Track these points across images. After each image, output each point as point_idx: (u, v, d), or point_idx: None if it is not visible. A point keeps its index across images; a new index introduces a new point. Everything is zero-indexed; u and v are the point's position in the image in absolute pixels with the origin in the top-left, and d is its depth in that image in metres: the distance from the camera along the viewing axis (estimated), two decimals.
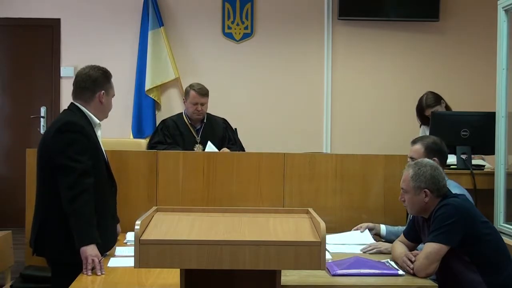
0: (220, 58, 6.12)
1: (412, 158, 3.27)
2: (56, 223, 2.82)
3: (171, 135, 4.61)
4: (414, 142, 3.35)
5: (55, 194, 2.79)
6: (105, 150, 3.08)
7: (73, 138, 2.83)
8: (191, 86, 4.64)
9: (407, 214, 3.45)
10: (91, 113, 2.99)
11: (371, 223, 3.52)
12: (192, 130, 4.67)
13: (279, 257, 2.05)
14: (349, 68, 6.18)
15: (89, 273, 2.67)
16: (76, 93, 3.02)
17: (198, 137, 4.65)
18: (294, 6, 6.13)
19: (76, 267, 2.73)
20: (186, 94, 4.68)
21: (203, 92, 4.59)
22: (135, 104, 5.97)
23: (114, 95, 3.11)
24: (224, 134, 4.72)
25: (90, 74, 3.00)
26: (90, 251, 2.70)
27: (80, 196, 2.75)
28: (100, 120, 3.05)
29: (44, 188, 2.88)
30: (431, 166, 2.84)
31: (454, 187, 3.14)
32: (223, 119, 4.83)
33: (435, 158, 3.18)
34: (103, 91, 3.00)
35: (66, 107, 3.04)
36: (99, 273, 2.68)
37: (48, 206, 2.85)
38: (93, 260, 2.68)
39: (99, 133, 3.05)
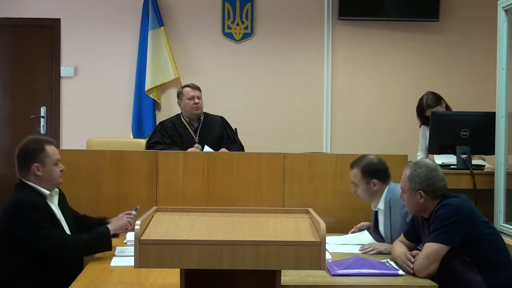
0: (220, 58, 6.11)
1: (353, 183, 3.31)
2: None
3: (169, 136, 4.66)
4: (351, 166, 3.36)
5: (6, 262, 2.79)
6: (65, 219, 2.99)
7: (28, 215, 2.77)
8: (182, 87, 4.88)
9: None
10: (37, 186, 2.91)
11: (368, 222, 3.52)
12: (190, 130, 4.71)
13: (279, 257, 2.05)
14: (349, 68, 6.17)
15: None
16: (17, 170, 2.97)
17: (196, 136, 4.68)
18: (294, 6, 6.12)
19: None
20: (179, 95, 4.83)
21: (196, 86, 4.81)
22: (135, 104, 5.95)
23: (57, 159, 2.97)
24: (222, 132, 4.76)
25: (21, 149, 2.95)
26: (115, 231, 2.96)
27: (63, 247, 2.79)
28: (49, 190, 2.94)
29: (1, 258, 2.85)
30: (427, 167, 2.83)
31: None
32: (221, 117, 4.89)
33: (374, 180, 3.20)
34: (36, 164, 2.91)
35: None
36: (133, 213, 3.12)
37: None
38: (124, 225, 3.04)
39: (55, 201, 2.98)
